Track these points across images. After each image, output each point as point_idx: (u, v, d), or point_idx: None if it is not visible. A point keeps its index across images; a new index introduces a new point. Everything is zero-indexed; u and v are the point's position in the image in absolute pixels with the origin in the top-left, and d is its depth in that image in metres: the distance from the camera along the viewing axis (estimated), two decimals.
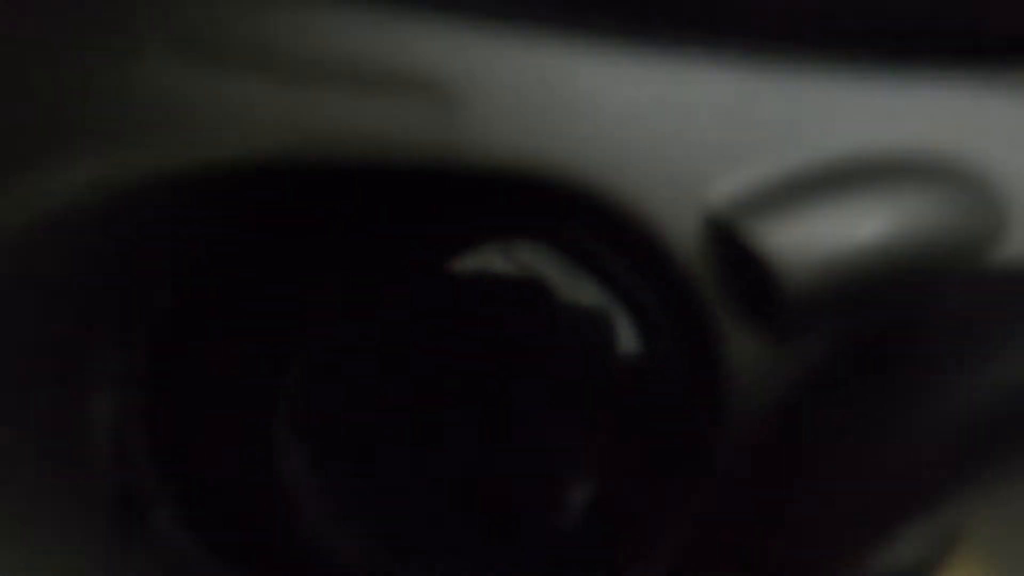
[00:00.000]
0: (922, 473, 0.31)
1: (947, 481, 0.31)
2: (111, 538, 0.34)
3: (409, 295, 0.39)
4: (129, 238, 0.31)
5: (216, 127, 0.28)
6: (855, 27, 0.32)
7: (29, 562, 0.31)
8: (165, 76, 0.28)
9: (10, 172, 0.27)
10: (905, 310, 0.31)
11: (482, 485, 0.41)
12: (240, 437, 0.36)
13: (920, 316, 0.32)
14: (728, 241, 0.31)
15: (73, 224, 0.28)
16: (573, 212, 0.32)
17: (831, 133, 0.32)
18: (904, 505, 0.31)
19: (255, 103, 0.28)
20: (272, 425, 0.36)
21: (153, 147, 0.28)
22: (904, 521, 0.31)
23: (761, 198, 0.31)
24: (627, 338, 0.37)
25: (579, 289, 0.37)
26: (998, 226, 0.31)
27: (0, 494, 0.31)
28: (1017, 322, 0.30)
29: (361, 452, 0.40)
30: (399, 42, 0.30)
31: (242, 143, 0.28)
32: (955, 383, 0.30)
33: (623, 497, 0.36)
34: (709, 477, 0.33)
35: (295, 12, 0.29)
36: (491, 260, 0.37)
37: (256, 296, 0.36)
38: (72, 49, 0.27)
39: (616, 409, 0.39)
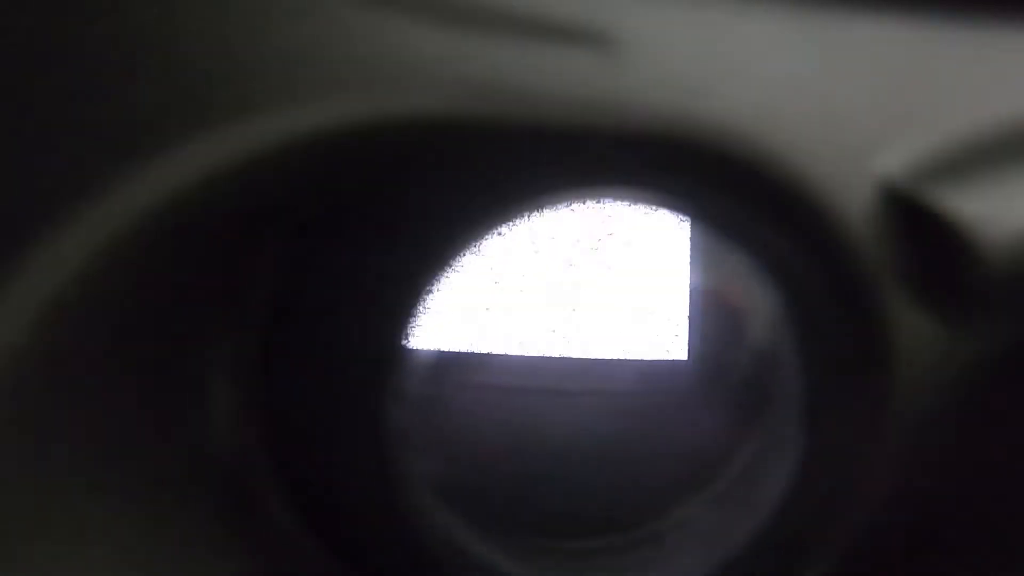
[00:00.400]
0: None
1: None
2: (224, 527, 0.32)
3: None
4: (253, 207, 0.29)
5: (399, 78, 0.26)
6: None
7: (145, 545, 0.29)
8: (345, 27, 0.26)
9: (185, 129, 0.25)
10: None
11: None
12: (353, 424, 0.33)
13: None
14: (907, 211, 0.29)
15: (217, 192, 0.26)
16: (728, 178, 0.30)
17: (1017, 92, 0.29)
18: None
19: (434, 54, 0.26)
20: (386, 413, 0.33)
21: (333, 100, 0.26)
22: None
23: (940, 164, 0.29)
24: (781, 318, 0.35)
25: (731, 265, 0.34)
26: None
27: (123, 480, 0.28)
28: None
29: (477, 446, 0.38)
30: None
31: (421, 96, 0.26)
32: None
33: (804, 486, 0.34)
34: (876, 465, 0.31)
35: None
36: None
37: (371, 268, 0.34)
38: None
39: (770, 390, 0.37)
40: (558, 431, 0.56)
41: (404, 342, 0.34)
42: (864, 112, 0.29)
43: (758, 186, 0.30)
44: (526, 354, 0.64)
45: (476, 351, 0.66)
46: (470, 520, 0.38)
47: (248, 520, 0.33)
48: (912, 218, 0.29)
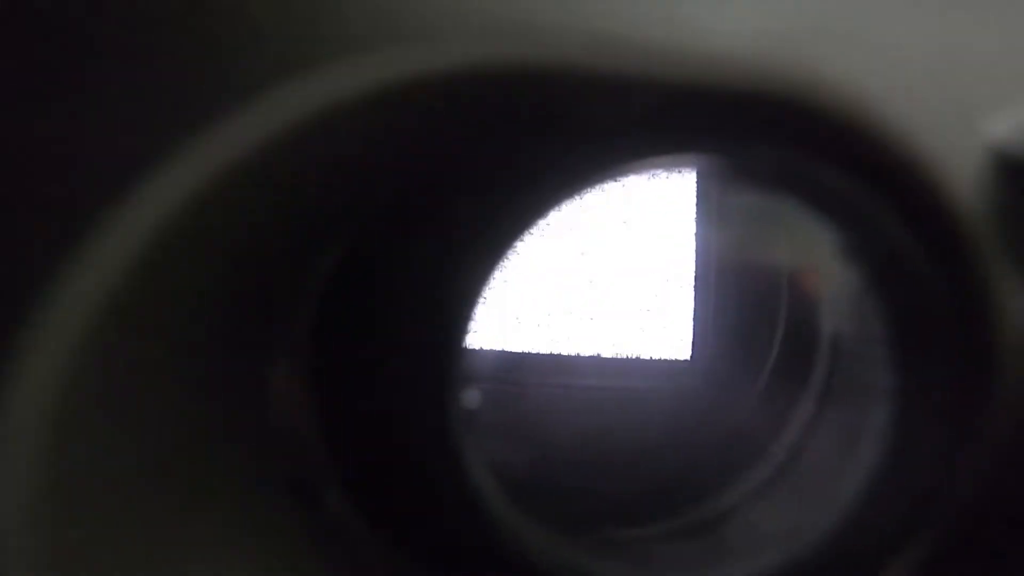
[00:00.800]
0: None
1: None
2: (283, 518, 0.29)
3: None
4: (336, 160, 0.26)
5: (494, 26, 0.24)
6: None
7: (206, 538, 0.26)
8: None
9: (269, 77, 0.22)
10: None
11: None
12: (412, 413, 0.31)
13: None
14: (1018, 176, 0.27)
15: (303, 144, 0.23)
16: (824, 140, 0.28)
17: None
18: None
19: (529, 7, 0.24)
20: (445, 401, 0.31)
21: (432, 46, 0.23)
22: None
23: None
24: (868, 300, 0.33)
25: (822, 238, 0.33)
26: None
27: (189, 471, 0.25)
28: None
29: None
30: None
31: (520, 44, 0.24)
32: None
33: (897, 464, 0.32)
34: (978, 443, 0.29)
35: None
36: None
37: (433, 247, 0.31)
38: None
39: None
40: (611, 424, 0.54)
41: (468, 328, 0.31)
42: (974, 74, 0.28)
43: (857, 149, 0.28)
44: (576, 354, 0.62)
45: (527, 351, 0.64)
46: (530, 510, 0.35)
47: (310, 517, 0.30)
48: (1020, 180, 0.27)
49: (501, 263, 0.31)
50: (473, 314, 0.31)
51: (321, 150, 0.24)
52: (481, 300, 0.31)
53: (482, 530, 0.32)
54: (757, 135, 0.28)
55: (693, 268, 0.60)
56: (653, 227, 0.61)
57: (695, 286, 0.60)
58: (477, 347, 0.64)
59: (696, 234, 0.59)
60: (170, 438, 0.25)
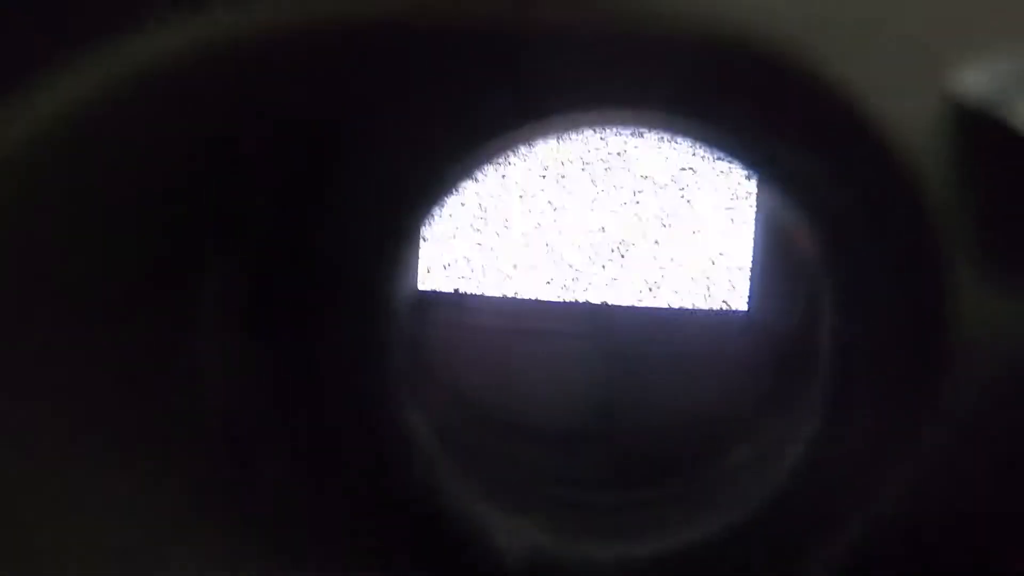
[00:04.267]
0: None
1: None
2: (217, 478, 0.29)
3: None
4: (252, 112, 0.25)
5: None
6: None
7: (138, 492, 0.26)
8: None
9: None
10: None
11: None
12: (353, 378, 0.30)
13: None
14: (979, 128, 0.24)
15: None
16: (771, 95, 0.25)
17: None
18: None
19: None
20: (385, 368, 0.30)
21: None
22: None
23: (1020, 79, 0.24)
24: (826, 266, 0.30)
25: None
26: None
27: (107, 432, 0.26)
28: None
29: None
30: None
31: None
32: None
33: (848, 439, 0.30)
34: (934, 422, 0.26)
35: None
36: None
37: (373, 188, 0.30)
38: None
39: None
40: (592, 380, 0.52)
41: (405, 274, 0.30)
42: (934, 26, 0.24)
43: (805, 102, 0.25)
44: (567, 300, 0.61)
45: (510, 295, 0.63)
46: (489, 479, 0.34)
47: (247, 476, 0.30)
48: (985, 136, 0.24)
49: (434, 206, 0.29)
50: (408, 259, 0.30)
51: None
52: (418, 243, 0.30)
53: (424, 496, 0.31)
54: (705, 92, 0.26)
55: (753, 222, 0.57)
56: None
57: (755, 240, 0.57)
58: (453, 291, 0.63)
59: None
60: (92, 380, 0.25)
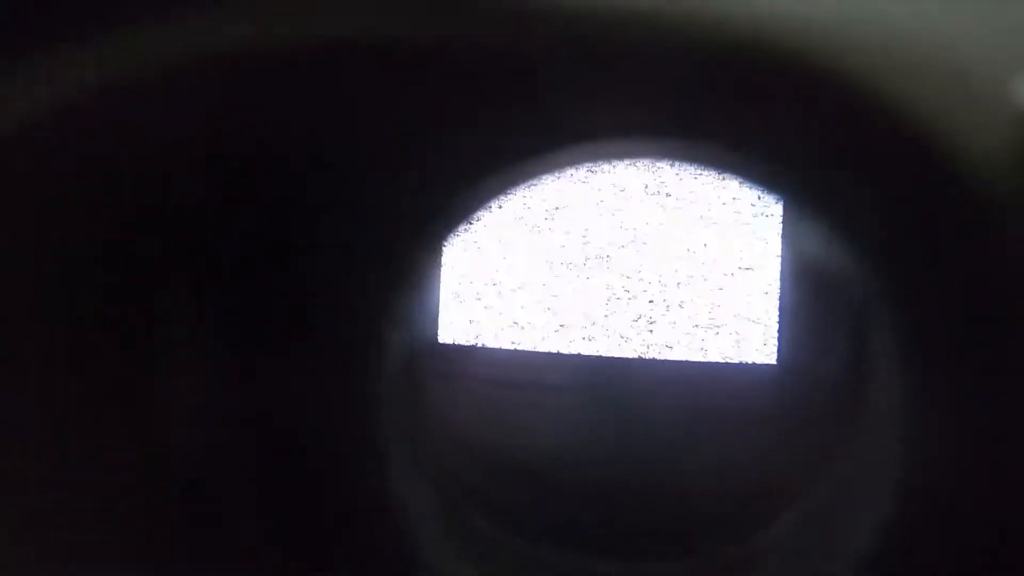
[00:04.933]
0: None
1: None
2: (179, 524, 0.26)
3: None
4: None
5: None
6: None
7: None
8: None
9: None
10: None
11: None
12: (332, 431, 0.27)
13: None
14: None
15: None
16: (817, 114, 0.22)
17: None
18: None
19: None
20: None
21: None
22: None
23: None
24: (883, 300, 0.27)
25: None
26: None
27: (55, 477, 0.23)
28: None
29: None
30: None
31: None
32: None
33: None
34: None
35: None
36: None
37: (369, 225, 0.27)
38: None
39: None
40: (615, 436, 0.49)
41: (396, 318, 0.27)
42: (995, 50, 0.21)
43: (852, 121, 0.22)
44: (592, 354, 0.58)
45: (536, 350, 0.60)
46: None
47: (209, 523, 0.27)
48: None
49: (436, 250, 0.27)
50: (406, 301, 0.27)
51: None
52: (416, 288, 0.27)
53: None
54: (732, 110, 0.23)
55: (779, 270, 0.54)
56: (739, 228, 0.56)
57: (781, 290, 0.55)
58: (469, 344, 0.61)
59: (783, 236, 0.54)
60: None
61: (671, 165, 0.56)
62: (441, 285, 0.61)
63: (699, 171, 0.53)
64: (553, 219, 0.61)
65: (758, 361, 0.56)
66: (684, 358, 0.57)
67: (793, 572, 0.34)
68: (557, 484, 0.40)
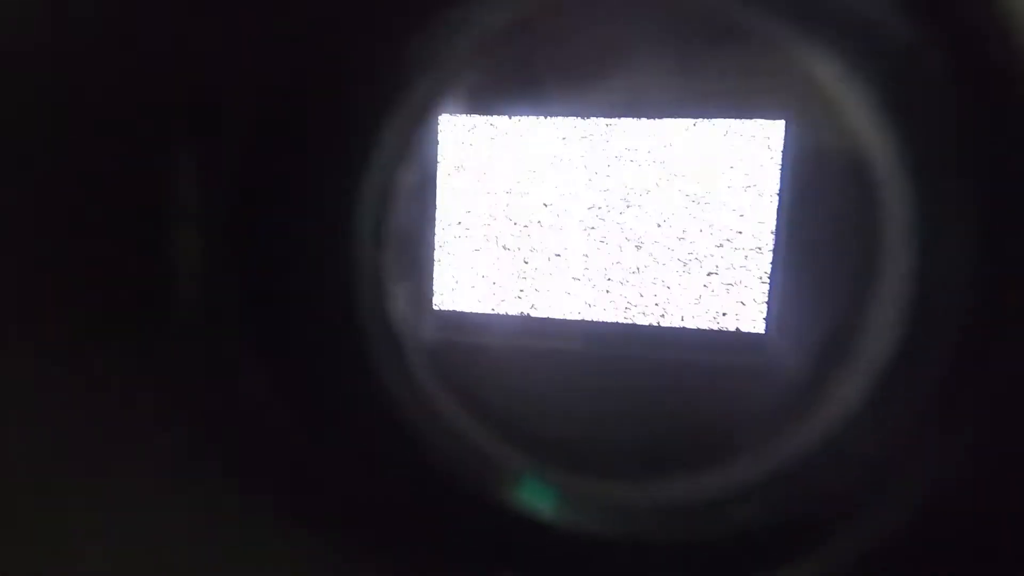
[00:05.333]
0: None
1: None
2: (189, 379, 0.28)
3: None
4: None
5: None
6: None
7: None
8: None
9: None
10: None
11: None
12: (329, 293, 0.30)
13: None
14: None
15: None
16: None
17: None
18: None
19: None
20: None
21: None
22: None
23: None
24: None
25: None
26: None
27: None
28: None
29: None
30: None
31: None
32: None
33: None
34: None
35: None
36: None
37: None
38: None
39: None
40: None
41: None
42: None
43: None
44: (591, 319, 0.61)
45: (539, 315, 0.63)
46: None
47: (219, 386, 0.29)
48: None
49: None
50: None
51: None
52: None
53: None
54: None
55: (772, 239, 0.57)
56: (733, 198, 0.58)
57: (773, 258, 0.57)
58: (481, 312, 0.64)
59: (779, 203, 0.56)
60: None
61: (668, 124, 0.59)
62: (439, 255, 0.64)
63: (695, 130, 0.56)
64: (548, 181, 0.63)
65: (747, 329, 0.59)
66: (676, 324, 0.60)
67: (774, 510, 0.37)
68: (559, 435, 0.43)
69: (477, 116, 0.65)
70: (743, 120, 0.58)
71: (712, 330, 0.60)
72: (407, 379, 0.32)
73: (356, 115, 0.31)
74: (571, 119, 0.63)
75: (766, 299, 0.59)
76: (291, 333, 0.31)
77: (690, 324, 0.60)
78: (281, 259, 0.30)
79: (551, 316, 0.63)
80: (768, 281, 0.59)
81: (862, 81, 0.26)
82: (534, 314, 0.64)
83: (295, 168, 0.30)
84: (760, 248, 0.59)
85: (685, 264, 0.60)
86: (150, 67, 0.26)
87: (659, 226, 0.61)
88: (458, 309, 0.64)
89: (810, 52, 0.29)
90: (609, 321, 0.62)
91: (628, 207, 0.61)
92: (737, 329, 0.59)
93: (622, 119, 0.61)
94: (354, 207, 0.30)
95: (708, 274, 0.60)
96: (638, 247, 0.61)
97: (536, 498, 0.34)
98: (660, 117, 0.60)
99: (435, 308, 0.63)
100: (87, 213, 0.26)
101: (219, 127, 0.28)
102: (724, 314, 0.60)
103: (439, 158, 0.65)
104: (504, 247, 0.64)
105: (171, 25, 0.26)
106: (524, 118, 0.64)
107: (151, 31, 0.25)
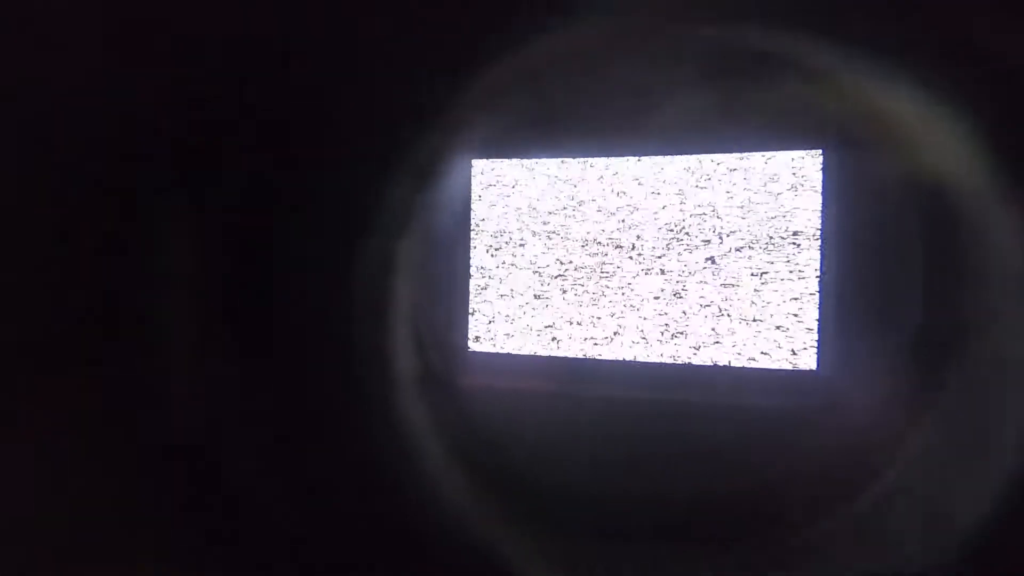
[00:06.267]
0: None
1: None
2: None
3: None
4: None
5: None
6: None
7: None
8: None
9: None
10: None
11: None
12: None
13: None
14: None
15: None
16: None
17: None
18: None
19: None
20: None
21: None
22: None
23: None
24: None
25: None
26: None
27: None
28: None
29: None
30: None
31: None
32: None
33: None
34: None
35: None
36: None
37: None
38: None
39: None
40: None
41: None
42: None
43: None
44: (634, 360, 0.59)
45: (578, 358, 0.61)
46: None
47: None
48: None
49: None
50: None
51: None
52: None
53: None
54: None
55: (818, 276, 0.55)
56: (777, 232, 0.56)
57: (820, 296, 0.55)
58: (517, 353, 0.62)
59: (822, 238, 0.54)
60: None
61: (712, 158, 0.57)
62: (470, 296, 0.63)
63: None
64: (584, 218, 0.62)
65: (799, 367, 0.57)
66: (725, 363, 0.58)
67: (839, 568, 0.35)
68: (604, 489, 0.41)
69: (507, 160, 0.64)
70: (781, 152, 0.57)
71: (762, 369, 0.58)
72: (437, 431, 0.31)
73: (366, 165, 0.30)
74: (603, 159, 0.61)
75: (816, 335, 0.57)
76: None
77: (736, 363, 0.58)
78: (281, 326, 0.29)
79: (591, 357, 0.62)
80: (817, 317, 0.57)
81: (956, 106, 0.25)
82: (570, 356, 0.62)
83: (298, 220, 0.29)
84: (808, 287, 0.57)
85: (728, 301, 0.59)
86: (150, 109, 0.25)
87: (695, 261, 0.59)
88: (495, 351, 0.63)
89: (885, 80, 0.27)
90: (651, 362, 0.60)
91: (668, 246, 0.60)
92: (795, 367, 0.57)
93: (657, 156, 0.60)
94: (359, 260, 0.29)
95: (753, 314, 0.58)
96: (678, 289, 0.60)
97: None
98: (695, 152, 0.59)
99: (470, 350, 0.62)
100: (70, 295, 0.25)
101: (219, 177, 0.27)
102: (769, 353, 0.58)
103: (472, 202, 0.64)
104: (541, 287, 0.63)
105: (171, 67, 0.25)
106: (555, 160, 0.62)
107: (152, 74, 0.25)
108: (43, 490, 0.26)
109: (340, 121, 0.29)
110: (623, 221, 0.61)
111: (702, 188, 0.59)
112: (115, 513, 0.27)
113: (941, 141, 0.27)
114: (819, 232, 0.56)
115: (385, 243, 0.30)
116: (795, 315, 0.57)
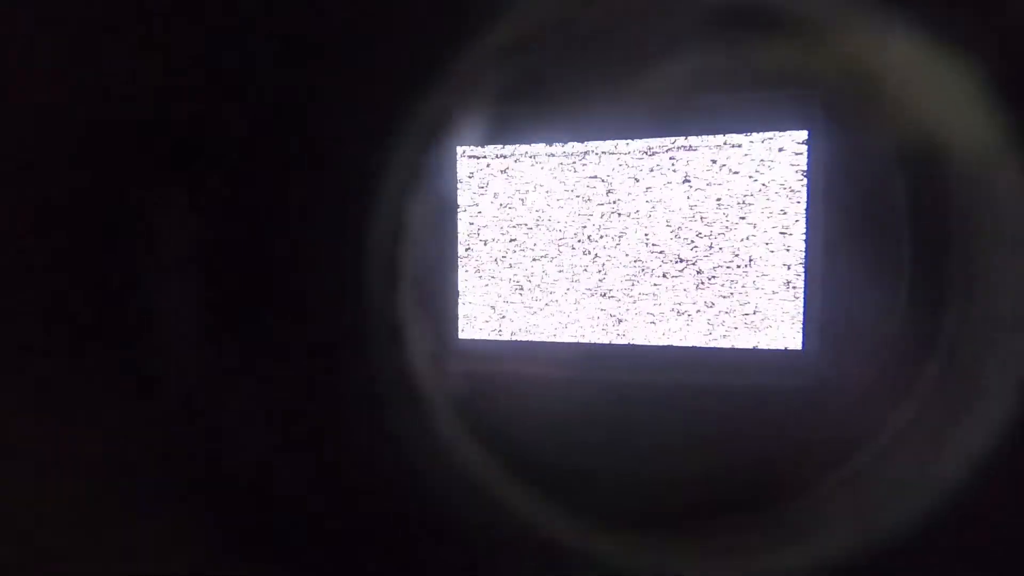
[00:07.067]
0: None
1: None
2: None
3: None
4: None
5: None
6: None
7: None
8: None
9: None
10: None
11: None
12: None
13: None
14: None
15: None
16: None
17: None
18: None
19: None
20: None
21: None
22: None
23: None
24: None
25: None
26: None
27: None
28: None
29: None
30: None
31: None
32: None
33: None
34: None
35: None
36: None
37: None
38: None
39: None
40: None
41: None
42: None
43: None
44: (632, 343, 0.59)
45: (569, 341, 0.61)
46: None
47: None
48: None
49: None
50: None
51: None
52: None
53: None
54: None
55: (804, 257, 0.55)
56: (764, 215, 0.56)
57: (806, 276, 0.55)
58: (512, 339, 0.62)
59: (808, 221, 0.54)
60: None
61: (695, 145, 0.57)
62: (459, 284, 0.63)
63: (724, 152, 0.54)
64: (567, 205, 0.62)
65: (784, 347, 0.57)
66: (711, 345, 0.58)
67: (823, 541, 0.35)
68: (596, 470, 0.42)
69: (490, 146, 0.63)
70: (766, 132, 0.57)
71: (747, 349, 0.58)
72: (428, 427, 0.31)
73: (362, 146, 0.29)
74: (584, 143, 0.61)
75: (801, 313, 0.57)
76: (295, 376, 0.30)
77: (722, 344, 0.58)
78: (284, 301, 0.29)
79: (576, 341, 0.62)
80: (802, 294, 0.57)
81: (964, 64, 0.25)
82: (557, 340, 0.62)
83: (297, 209, 0.29)
84: (789, 265, 0.57)
85: (712, 280, 0.59)
86: (145, 96, 0.25)
87: (674, 237, 0.59)
88: (483, 338, 0.63)
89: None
90: (637, 344, 0.60)
91: (647, 228, 0.59)
92: (786, 348, 0.57)
93: (639, 139, 0.60)
94: (364, 241, 0.29)
95: (733, 290, 0.58)
96: (655, 266, 0.59)
97: None
98: (679, 135, 0.59)
99: (460, 338, 0.62)
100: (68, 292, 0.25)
101: (214, 160, 0.27)
102: (755, 332, 0.58)
103: (457, 189, 0.64)
104: (528, 272, 0.63)
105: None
106: (535, 145, 0.62)
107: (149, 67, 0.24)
108: (43, 489, 0.25)
109: (323, 118, 0.29)
110: (615, 203, 0.61)
111: (686, 169, 0.58)
112: (115, 513, 0.26)
113: (936, 103, 0.27)
114: (804, 212, 0.56)
115: (380, 234, 0.30)
116: (777, 293, 0.57)
